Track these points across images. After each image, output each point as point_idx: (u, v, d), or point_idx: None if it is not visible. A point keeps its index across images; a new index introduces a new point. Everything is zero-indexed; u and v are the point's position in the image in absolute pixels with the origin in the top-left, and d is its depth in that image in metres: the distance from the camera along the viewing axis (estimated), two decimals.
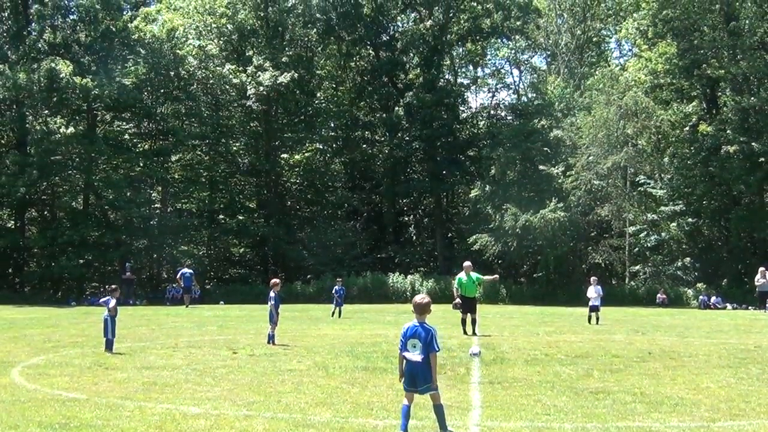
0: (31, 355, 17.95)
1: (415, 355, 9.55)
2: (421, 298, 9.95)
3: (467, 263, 25.11)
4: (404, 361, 9.68)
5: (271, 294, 20.86)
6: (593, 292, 28.93)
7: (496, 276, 26.86)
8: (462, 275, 24.52)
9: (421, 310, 9.76)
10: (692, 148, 50.71)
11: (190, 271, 43.59)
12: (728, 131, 48.23)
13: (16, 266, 51.51)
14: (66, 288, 49.77)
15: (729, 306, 43.08)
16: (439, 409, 9.59)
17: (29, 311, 35.30)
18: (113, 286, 20.57)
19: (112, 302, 18.99)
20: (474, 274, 24.60)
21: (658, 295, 44.99)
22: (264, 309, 26.42)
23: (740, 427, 10.23)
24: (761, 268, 39.79)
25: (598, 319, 28.33)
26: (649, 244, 49.04)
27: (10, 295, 45.31)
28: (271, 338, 20.28)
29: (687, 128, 50.99)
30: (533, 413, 11.18)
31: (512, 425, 10.27)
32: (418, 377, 9.56)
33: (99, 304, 24.26)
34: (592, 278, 30.84)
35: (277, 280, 22.13)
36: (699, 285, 46.85)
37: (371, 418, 10.68)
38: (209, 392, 12.84)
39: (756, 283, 39.89)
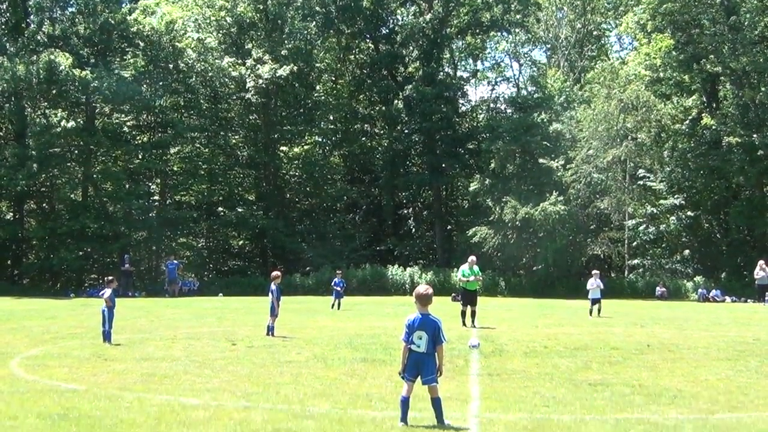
0: (29, 346, 17.97)
1: (422, 347, 9.56)
2: (425, 288, 9.94)
3: (473, 257, 25.35)
4: (409, 352, 9.67)
5: (272, 286, 20.93)
6: (593, 284, 29.05)
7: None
8: (465, 267, 24.66)
9: (426, 301, 9.76)
10: (692, 141, 50.66)
11: (176, 262, 45.14)
12: (730, 124, 48.22)
13: (14, 258, 51.51)
14: (65, 280, 49.74)
15: (728, 299, 43.04)
16: (436, 402, 9.60)
17: (28, 303, 35.29)
18: (110, 278, 20.64)
19: (107, 293, 19.02)
20: (476, 267, 24.80)
21: (657, 288, 44.98)
22: (263, 301, 26.49)
23: (739, 420, 10.24)
24: (760, 261, 39.81)
25: (599, 310, 28.39)
26: (648, 237, 49.06)
27: (8, 287, 45.30)
28: (270, 330, 20.31)
29: (687, 122, 50.93)
30: (532, 405, 11.19)
31: (511, 417, 10.27)
32: (424, 369, 9.57)
33: (100, 296, 24.28)
34: (594, 271, 30.95)
35: (278, 273, 22.19)
36: (698, 278, 46.85)
37: (370, 410, 10.69)
38: (208, 383, 12.85)
39: (755, 276, 39.92)
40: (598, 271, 31.09)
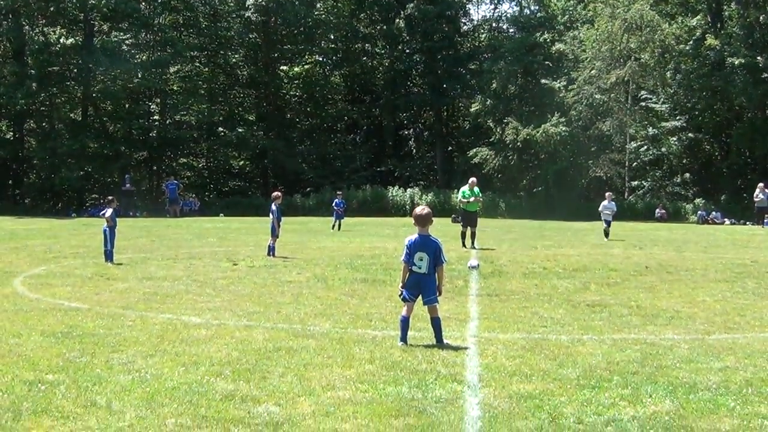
0: (32, 265, 18.08)
1: (423, 268, 9.61)
2: (422, 209, 9.93)
3: (473, 179, 25.39)
4: (409, 273, 9.72)
5: (273, 207, 20.97)
6: (608, 207, 28.86)
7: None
8: (465, 188, 24.69)
9: (424, 221, 9.76)
10: (695, 62, 50.23)
11: (175, 182, 45.22)
12: (734, 44, 47.68)
13: (16, 178, 51.52)
14: (66, 199, 49.87)
15: (727, 221, 43.18)
16: (436, 322, 9.67)
17: (29, 222, 35.41)
18: (110, 197, 20.68)
19: (109, 212, 19.06)
20: (476, 189, 24.81)
21: (657, 210, 45.10)
22: (264, 221, 26.56)
23: (734, 340, 10.34)
24: (760, 184, 39.81)
25: (607, 234, 28.32)
26: (648, 158, 48.97)
27: (10, 207, 45.44)
28: (271, 250, 20.41)
29: (691, 42, 50.40)
30: (530, 325, 11.29)
31: (509, 337, 10.37)
32: (425, 289, 9.63)
33: (101, 216, 24.39)
34: (607, 193, 30.85)
35: (279, 193, 22.23)
36: (698, 200, 46.92)
37: (370, 329, 10.79)
38: (210, 303, 12.95)
39: (755, 199, 39.96)
40: (611, 193, 31.03)
